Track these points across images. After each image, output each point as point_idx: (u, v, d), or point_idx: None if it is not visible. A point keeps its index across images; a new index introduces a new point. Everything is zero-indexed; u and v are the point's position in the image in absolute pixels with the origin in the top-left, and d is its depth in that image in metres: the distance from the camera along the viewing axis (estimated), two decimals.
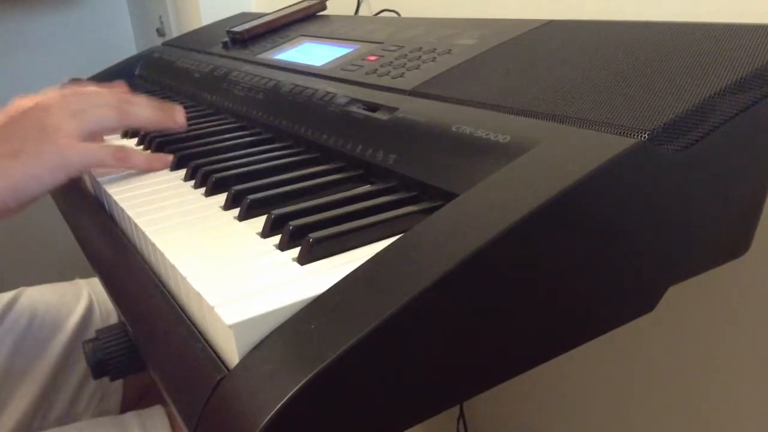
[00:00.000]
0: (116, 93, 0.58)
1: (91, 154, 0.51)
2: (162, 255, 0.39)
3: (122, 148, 0.53)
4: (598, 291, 0.35)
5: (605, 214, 0.33)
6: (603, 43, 0.45)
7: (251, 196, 0.44)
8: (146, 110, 0.56)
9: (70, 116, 0.52)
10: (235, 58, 0.78)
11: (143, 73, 0.96)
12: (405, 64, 0.55)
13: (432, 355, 0.30)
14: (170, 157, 0.56)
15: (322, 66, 0.63)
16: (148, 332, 0.39)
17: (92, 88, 0.68)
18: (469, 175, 0.38)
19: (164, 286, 0.40)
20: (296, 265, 0.35)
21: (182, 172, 0.54)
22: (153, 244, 0.40)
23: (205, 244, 0.40)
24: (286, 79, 0.63)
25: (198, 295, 0.33)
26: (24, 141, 0.50)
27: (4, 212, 0.50)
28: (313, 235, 0.36)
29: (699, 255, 0.39)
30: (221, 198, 0.47)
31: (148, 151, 0.62)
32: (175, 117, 0.58)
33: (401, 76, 0.53)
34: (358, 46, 0.65)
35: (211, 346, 0.33)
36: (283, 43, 0.77)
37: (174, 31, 1.48)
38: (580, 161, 0.33)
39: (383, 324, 0.28)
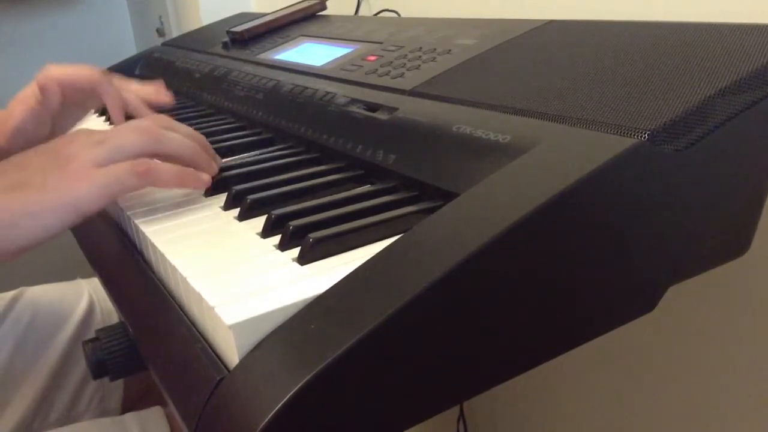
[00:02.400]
0: (156, 127, 0.47)
1: (105, 182, 0.42)
2: (162, 255, 0.39)
3: (144, 161, 0.44)
4: (598, 291, 0.35)
5: (605, 215, 0.33)
6: (603, 43, 0.45)
7: (251, 196, 0.44)
8: (181, 144, 0.47)
9: (91, 144, 0.44)
10: (235, 58, 0.78)
11: (143, 73, 0.96)
12: (405, 64, 0.55)
13: (432, 356, 0.30)
14: (205, 176, 0.47)
15: (322, 66, 0.63)
16: (148, 332, 0.39)
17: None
18: (469, 175, 0.38)
19: (164, 287, 0.40)
20: (296, 265, 0.35)
21: None
22: (153, 245, 0.40)
23: (205, 245, 0.40)
24: (286, 79, 0.63)
25: (198, 295, 0.33)
26: (34, 172, 0.43)
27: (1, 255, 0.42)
28: (313, 235, 0.36)
29: (699, 255, 0.39)
30: (221, 198, 0.47)
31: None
32: (201, 179, 0.47)
33: (401, 76, 0.53)
34: (358, 46, 0.65)
35: (211, 347, 0.33)
36: (283, 43, 0.77)
37: (174, 31, 1.49)
38: (580, 161, 0.33)
39: (383, 324, 0.28)
